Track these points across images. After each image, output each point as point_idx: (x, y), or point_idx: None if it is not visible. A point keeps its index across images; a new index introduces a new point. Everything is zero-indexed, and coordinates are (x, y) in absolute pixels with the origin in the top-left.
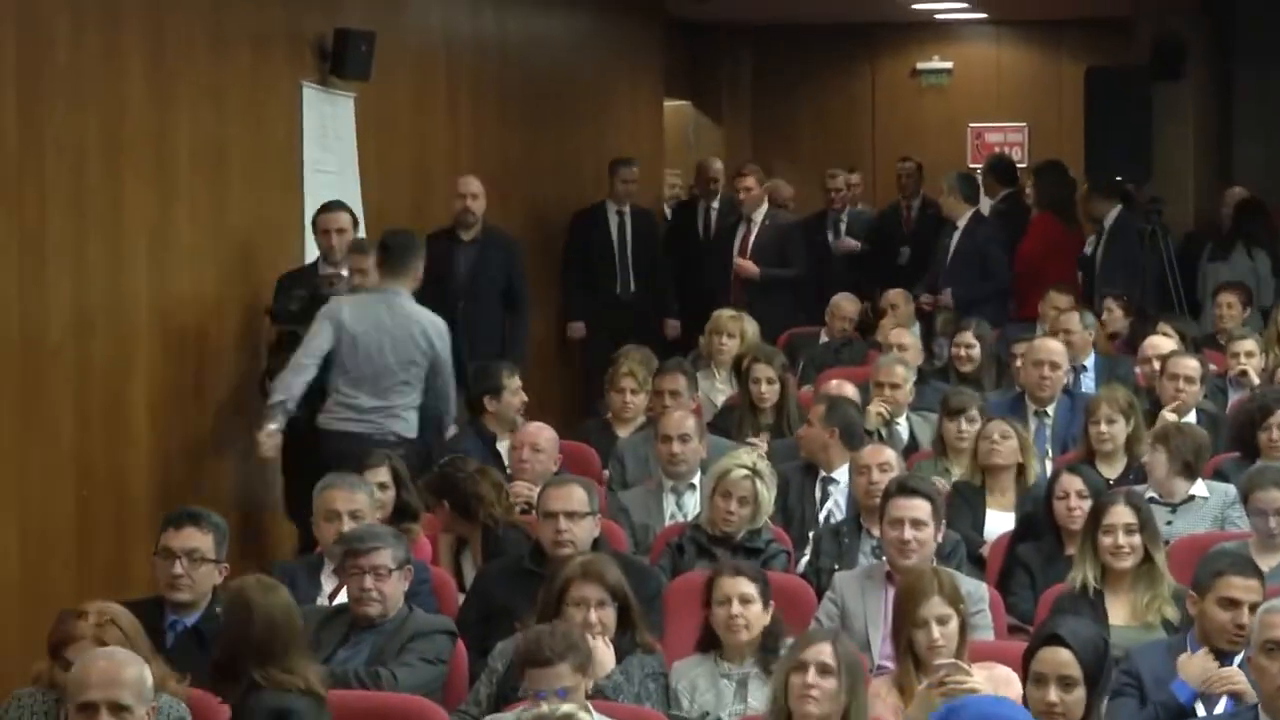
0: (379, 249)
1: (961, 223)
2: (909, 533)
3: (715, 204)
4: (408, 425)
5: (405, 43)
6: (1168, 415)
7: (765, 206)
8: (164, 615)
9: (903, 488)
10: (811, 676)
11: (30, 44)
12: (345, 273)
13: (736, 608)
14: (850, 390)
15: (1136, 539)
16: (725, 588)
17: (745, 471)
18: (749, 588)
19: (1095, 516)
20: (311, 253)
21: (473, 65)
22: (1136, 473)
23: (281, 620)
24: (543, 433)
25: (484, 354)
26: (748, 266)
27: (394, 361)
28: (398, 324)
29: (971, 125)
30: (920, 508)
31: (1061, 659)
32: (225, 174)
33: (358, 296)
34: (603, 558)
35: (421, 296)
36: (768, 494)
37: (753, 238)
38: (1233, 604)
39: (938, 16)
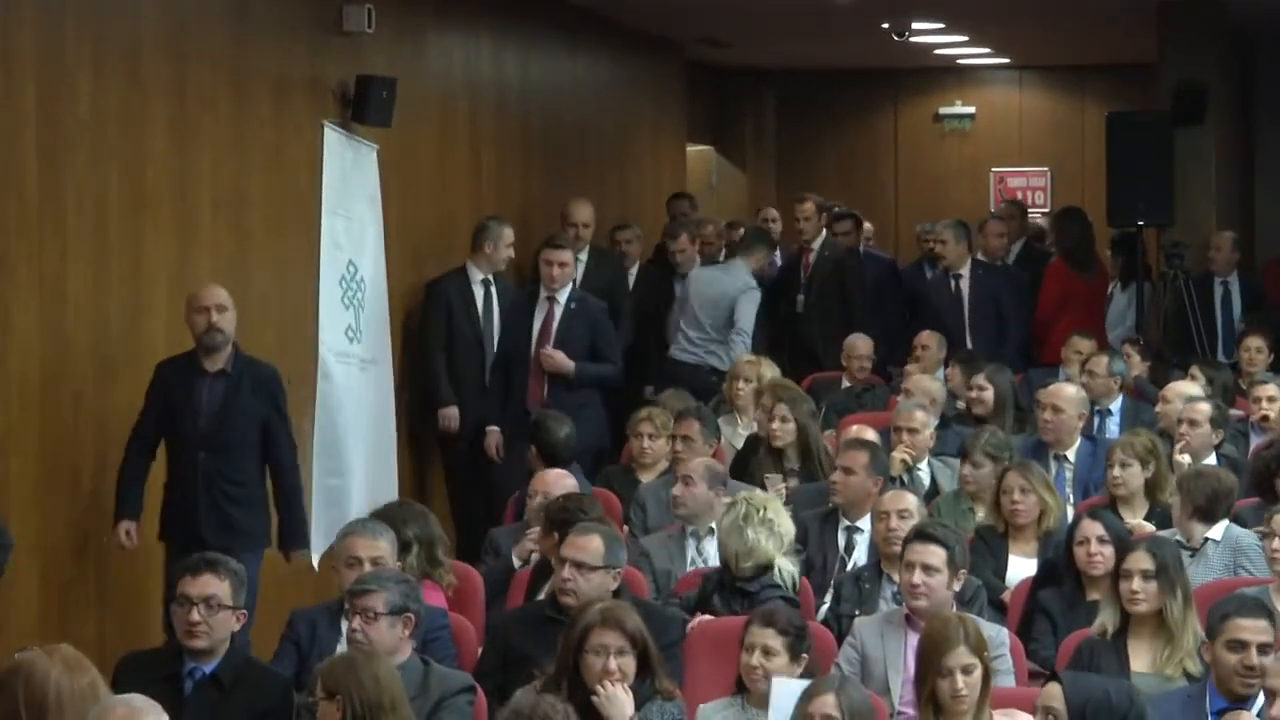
0: None
1: (965, 271)
2: (919, 577)
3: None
4: None
5: (427, 89)
6: (1177, 458)
7: (824, 235)
8: (182, 663)
9: (920, 534)
10: None
11: (51, 94)
12: None
13: (757, 658)
14: (871, 434)
15: (1152, 586)
16: (752, 636)
17: (732, 516)
18: (774, 640)
19: (1119, 563)
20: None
21: (495, 111)
22: (1160, 517)
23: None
24: (561, 480)
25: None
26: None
27: None
28: None
29: (994, 170)
30: (935, 554)
31: (1050, 691)
32: (247, 221)
33: None
34: (623, 605)
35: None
36: (765, 537)
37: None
38: (1241, 645)
39: (960, 61)
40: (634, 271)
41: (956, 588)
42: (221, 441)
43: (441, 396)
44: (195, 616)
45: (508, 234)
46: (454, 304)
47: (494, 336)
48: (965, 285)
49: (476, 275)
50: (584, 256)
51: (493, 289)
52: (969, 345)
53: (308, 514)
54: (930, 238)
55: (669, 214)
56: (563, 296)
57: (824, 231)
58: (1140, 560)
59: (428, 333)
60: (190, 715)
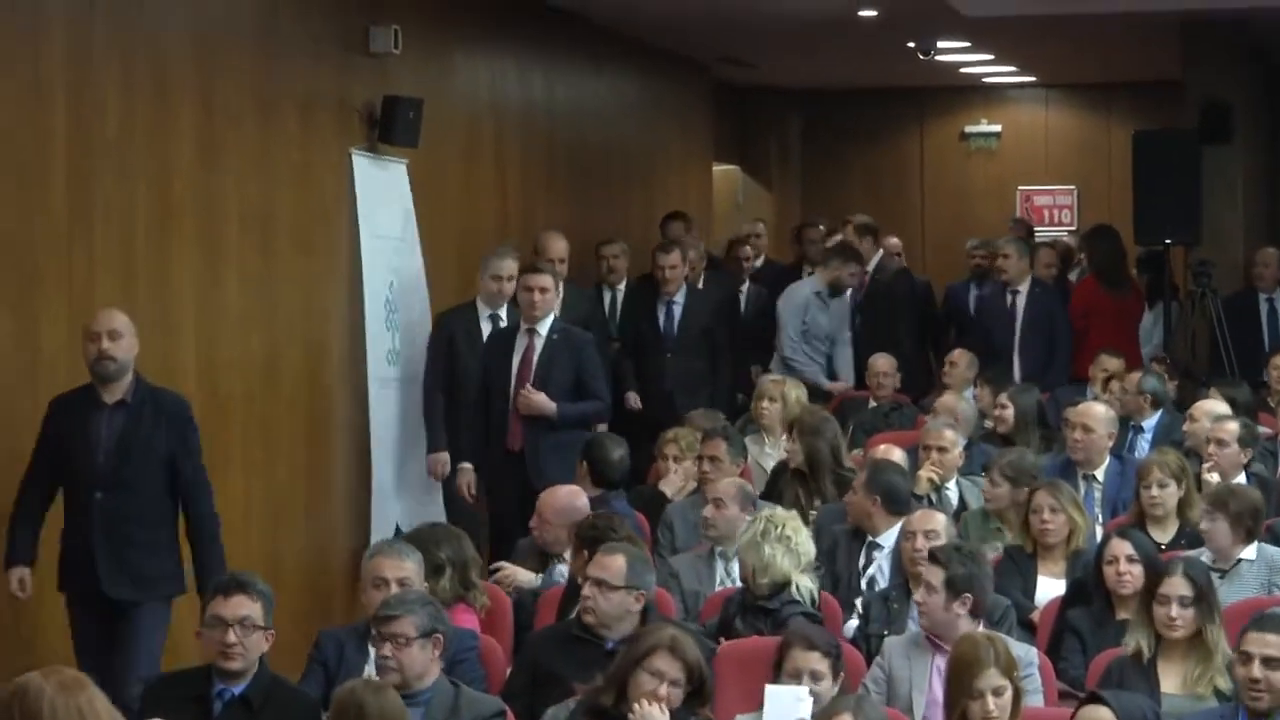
0: None
1: (1024, 288)
2: (920, 595)
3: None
4: None
5: (454, 110)
6: (1204, 477)
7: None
8: (211, 684)
9: (931, 555)
10: None
11: (80, 114)
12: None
13: (806, 683)
14: (898, 455)
15: (1190, 612)
16: (798, 661)
17: (750, 533)
18: (820, 664)
19: (1152, 584)
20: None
21: (521, 131)
22: (1189, 537)
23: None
24: (572, 498)
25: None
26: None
27: None
28: None
29: (1020, 188)
30: (934, 573)
31: (1100, 715)
32: (274, 241)
33: None
34: (689, 637)
35: None
36: (781, 554)
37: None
38: (1247, 658)
39: (986, 80)
40: (621, 290)
41: (960, 610)
42: (121, 479)
43: (433, 441)
44: (231, 638)
45: (499, 265)
46: (458, 340)
47: None
48: (1021, 302)
49: (484, 310)
50: (623, 288)
51: (502, 324)
52: (1016, 363)
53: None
54: (978, 254)
55: (663, 234)
56: (543, 328)
57: (879, 252)
58: (1178, 586)
59: (427, 371)
60: None
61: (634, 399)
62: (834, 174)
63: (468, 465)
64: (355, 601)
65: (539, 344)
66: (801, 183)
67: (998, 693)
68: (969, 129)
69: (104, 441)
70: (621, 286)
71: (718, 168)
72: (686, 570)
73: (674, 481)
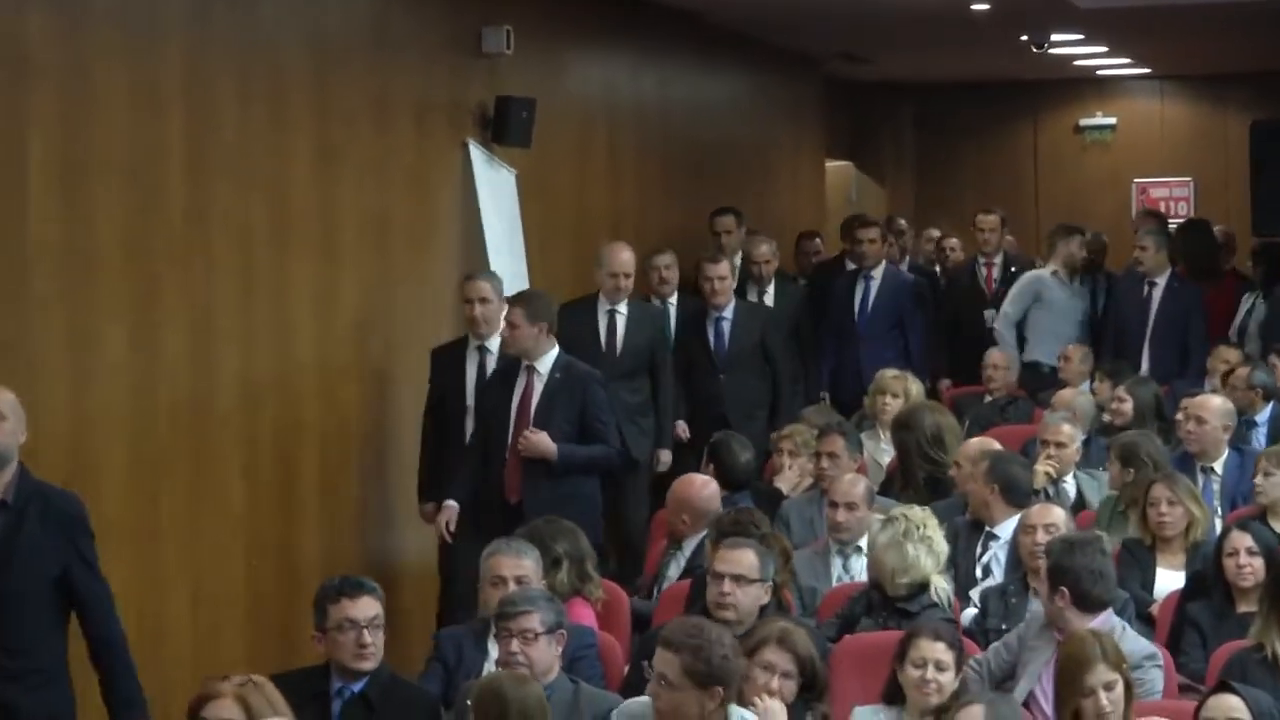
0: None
1: (1161, 280)
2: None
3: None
4: None
5: (566, 109)
6: None
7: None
8: (329, 682)
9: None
10: None
11: (198, 120)
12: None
13: (931, 672)
14: (994, 447)
15: None
16: (923, 650)
17: (890, 533)
18: (945, 655)
19: (1274, 578)
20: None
21: (634, 130)
22: None
23: (536, 713)
24: (705, 487)
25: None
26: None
27: None
28: None
29: (1136, 181)
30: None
31: (1230, 704)
32: (389, 244)
33: None
34: (800, 630)
35: None
36: (924, 554)
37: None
38: None
39: (1100, 72)
40: (673, 304)
41: (1060, 602)
42: None
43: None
44: (366, 638)
45: (469, 286)
46: (448, 376)
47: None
48: (1158, 295)
49: (472, 342)
50: (624, 309)
51: (490, 356)
52: (1145, 356)
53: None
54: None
55: (712, 232)
56: (544, 365)
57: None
58: None
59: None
60: None
61: (682, 429)
62: (947, 169)
63: (452, 503)
64: None
65: (538, 384)
66: (915, 178)
67: (1109, 687)
68: (1083, 122)
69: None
70: (674, 300)
71: (831, 164)
72: (804, 566)
73: (789, 478)
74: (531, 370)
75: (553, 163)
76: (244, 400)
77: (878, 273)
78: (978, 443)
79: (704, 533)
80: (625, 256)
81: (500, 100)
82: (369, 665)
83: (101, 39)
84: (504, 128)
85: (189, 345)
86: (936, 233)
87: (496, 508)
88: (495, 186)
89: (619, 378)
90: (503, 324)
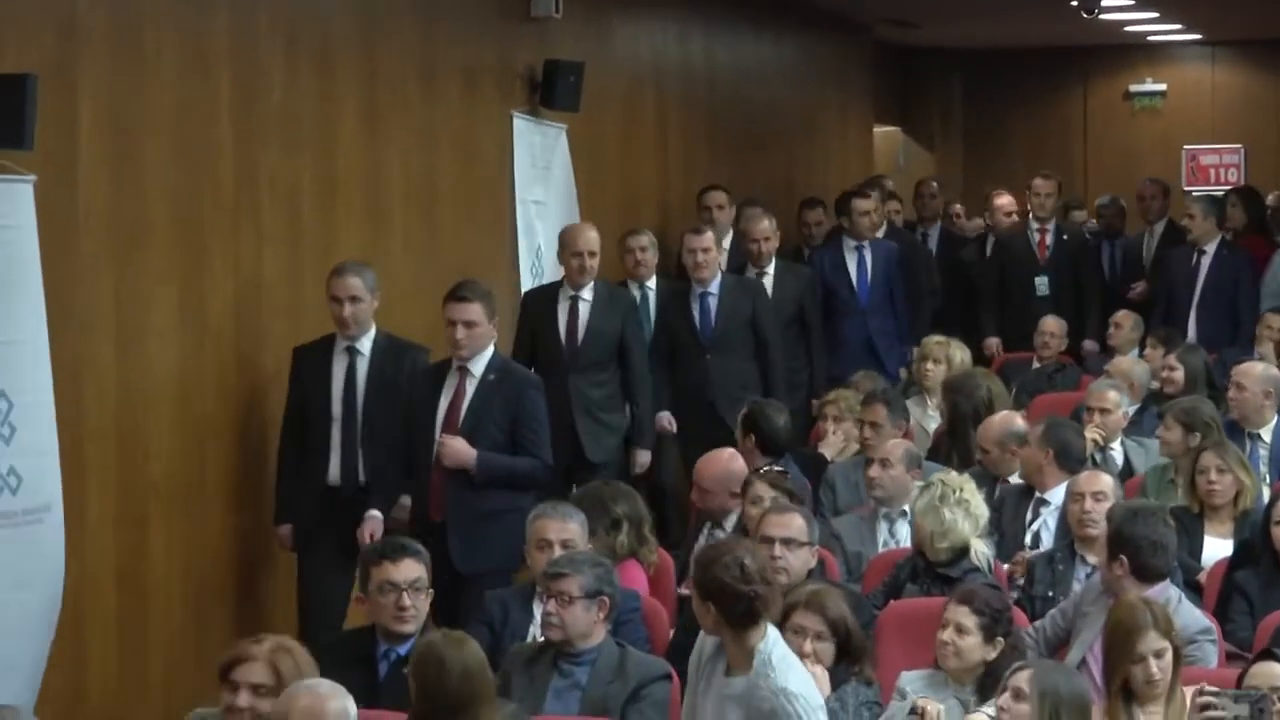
0: None
1: (1210, 248)
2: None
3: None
4: None
5: (614, 73)
6: None
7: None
8: (375, 645)
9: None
10: (1004, 700)
11: (246, 86)
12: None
13: (949, 634)
14: (1019, 423)
15: None
16: (947, 613)
17: (928, 497)
18: (967, 619)
19: None
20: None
21: (681, 94)
22: None
23: (477, 672)
24: (731, 461)
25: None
26: None
27: None
28: None
29: (1186, 147)
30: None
31: (1275, 671)
32: (437, 208)
33: None
34: (831, 592)
35: None
36: (961, 518)
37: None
38: None
39: (1151, 38)
40: (651, 287)
41: (1119, 570)
42: None
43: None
44: (406, 601)
45: (335, 283)
46: (312, 380)
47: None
48: (1206, 263)
49: (340, 342)
50: (588, 294)
51: (362, 358)
52: (1191, 323)
53: None
54: (1107, 212)
55: (701, 208)
56: (477, 367)
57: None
58: None
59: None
60: (385, 697)
61: (668, 421)
62: (996, 134)
63: (375, 513)
64: None
65: (470, 387)
66: (963, 144)
67: (1159, 655)
68: (1133, 88)
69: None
70: (651, 284)
71: (879, 129)
72: (849, 531)
73: (834, 443)
74: (464, 372)
75: (600, 127)
76: (289, 363)
77: (869, 243)
78: (1000, 420)
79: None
80: (591, 235)
81: (549, 64)
82: (408, 628)
83: (151, 3)
84: (552, 92)
85: (236, 307)
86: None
87: (422, 528)
88: (541, 149)
89: (581, 369)
90: (461, 330)
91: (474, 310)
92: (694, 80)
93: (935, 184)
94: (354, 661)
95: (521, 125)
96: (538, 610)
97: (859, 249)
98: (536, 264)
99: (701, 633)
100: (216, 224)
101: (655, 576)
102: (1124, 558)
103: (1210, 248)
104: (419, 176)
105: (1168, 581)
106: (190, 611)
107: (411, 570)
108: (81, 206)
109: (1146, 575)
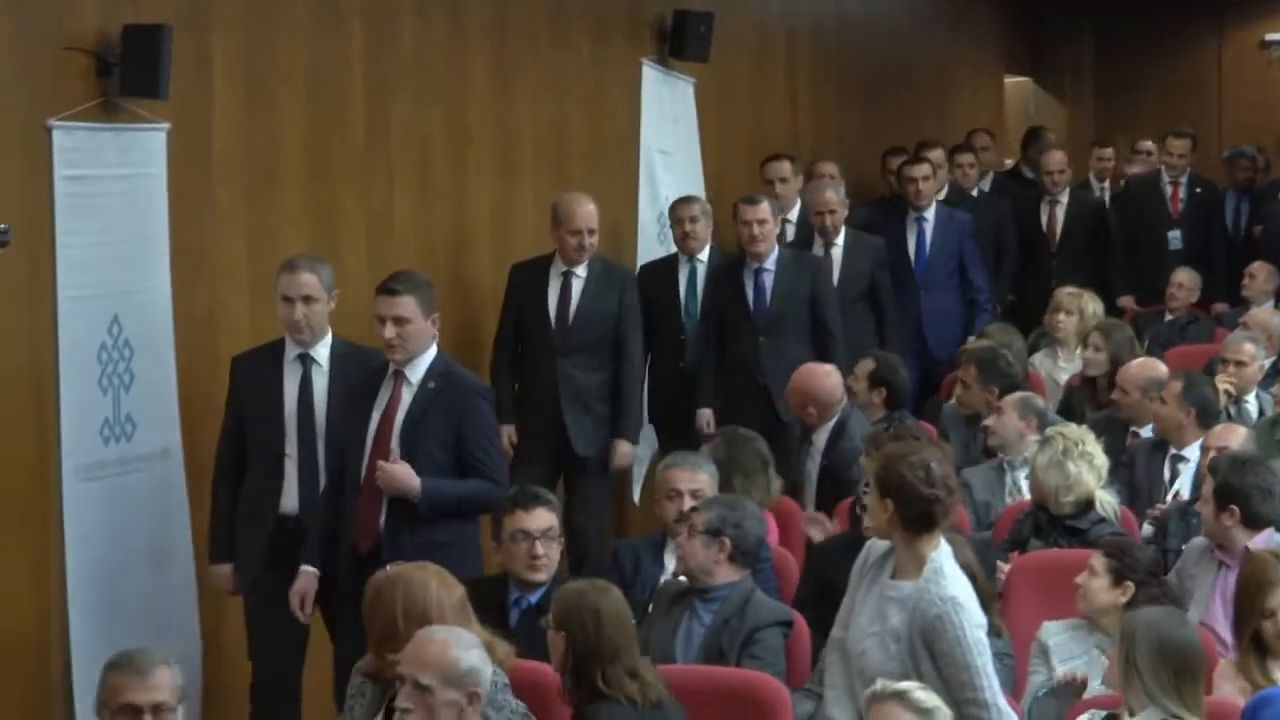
0: None
1: None
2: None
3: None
4: None
5: (744, 23)
6: None
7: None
8: (508, 592)
9: (1210, 465)
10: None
11: (377, 36)
12: None
13: (1083, 577)
14: (1161, 368)
15: None
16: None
17: (1050, 452)
18: (1097, 561)
19: None
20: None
21: (811, 45)
22: None
23: (627, 619)
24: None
25: None
26: None
27: None
28: None
29: None
30: (1208, 484)
31: None
32: (566, 159)
33: None
34: (955, 538)
35: None
36: (1085, 470)
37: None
38: None
39: None
40: (702, 260)
41: (1229, 521)
42: None
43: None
44: (539, 550)
45: (289, 281)
46: (259, 392)
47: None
48: None
49: (291, 350)
50: (582, 271)
51: (318, 366)
52: None
53: None
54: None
55: (764, 181)
56: (415, 373)
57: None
58: None
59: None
60: (517, 643)
61: (706, 419)
62: (1128, 85)
63: (310, 569)
64: None
65: (407, 395)
66: (1094, 94)
67: None
68: (1269, 37)
69: None
70: (704, 256)
71: (1009, 80)
72: (978, 481)
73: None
74: (400, 378)
75: (729, 78)
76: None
77: (930, 214)
78: (1141, 365)
79: (834, 420)
80: (590, 209)
81: (678, 14)
82: (541, 576)
83: None
84: (682, 42)
85: (367, 256)
86: (1108, 152)
87: (346, 562)
88: (669, 101)
89: (570, 353)
90: (391, 328)
91: (406, 305)
92: (824, 31)
93: (988, 135)
94: (488, 607)
95: (651, 75)
96: (669, 561)
97: (919, 220)
98: (662, 214)
99: (869, 540)
100: (347, 173)
101: (782, 526)
102: (1234, 507)
103: None
104: (548, 126)
105: (1272, 529)
106: None
107: (544, 519)
108: (215, 155)
109: (1257, 523)
